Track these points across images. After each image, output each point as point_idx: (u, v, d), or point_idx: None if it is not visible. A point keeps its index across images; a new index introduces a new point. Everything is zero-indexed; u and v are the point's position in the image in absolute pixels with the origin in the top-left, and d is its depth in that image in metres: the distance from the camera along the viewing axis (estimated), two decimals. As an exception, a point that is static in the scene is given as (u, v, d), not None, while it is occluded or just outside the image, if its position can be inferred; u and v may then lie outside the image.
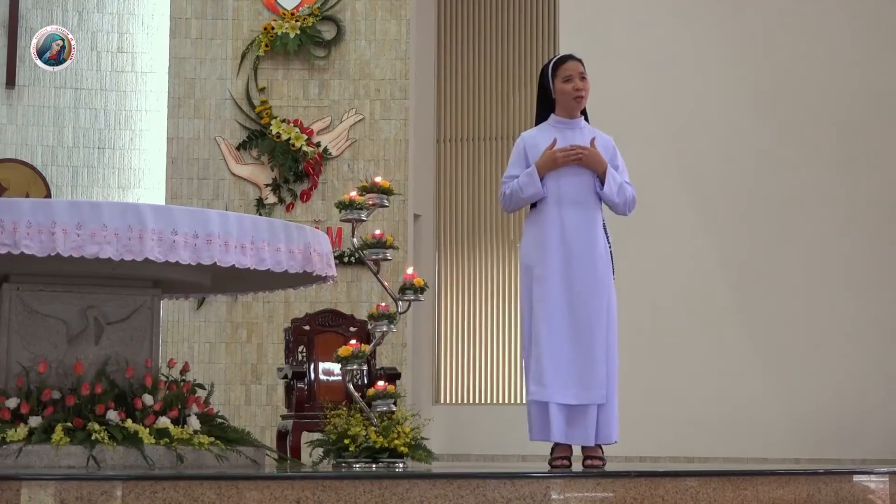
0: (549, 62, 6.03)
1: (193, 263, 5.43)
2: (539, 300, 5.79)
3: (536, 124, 6.09)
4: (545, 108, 6.05)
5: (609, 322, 5.84)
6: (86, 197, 10.43)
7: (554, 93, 5.97)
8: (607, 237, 5.93)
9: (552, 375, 5.71)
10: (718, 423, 10.39)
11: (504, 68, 12.66)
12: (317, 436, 5.99)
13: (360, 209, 5.90)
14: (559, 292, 5.78)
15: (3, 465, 5.20)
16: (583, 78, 5.94)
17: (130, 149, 10.70)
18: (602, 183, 5.87)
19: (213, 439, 5.62)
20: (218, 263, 5.47)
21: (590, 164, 5.84)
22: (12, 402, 5.46)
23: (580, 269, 5.81)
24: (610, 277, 5.90)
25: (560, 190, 5.86)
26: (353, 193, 5.95)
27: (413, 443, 5.67)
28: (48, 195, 10.31)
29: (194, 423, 5.70)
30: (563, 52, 6.59)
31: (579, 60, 5.97)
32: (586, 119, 6.08)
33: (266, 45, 10.47)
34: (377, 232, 6.00)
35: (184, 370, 5.96)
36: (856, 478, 5.45)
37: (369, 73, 10.53)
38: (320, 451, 5.83)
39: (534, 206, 5.94)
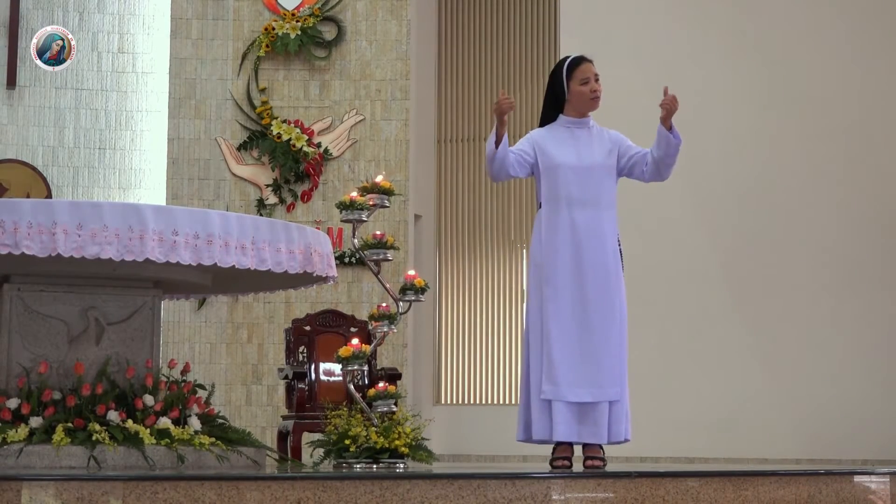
0: (563, 63, 6.01)
1: (194, 264, 5.43)
2: (549, 299, 5.80)
3: (542, 124, 6.08)
4: (554, 108, 6.04)
5: (621, 321, 5.86)
6: (86, 197, 10.42)
7: (568, 94, 5.96)
8: (617, 236, 5.94)
9: (564, 374, 5.72)
10: (718, 423, 10.38)
11: (504, 68, 12.65)
12: (317, 436, 5.99)
13: (361, 209, 5.91)
14: (570, 291, 5.80)
15: (3, 465, 5.20)
16: (597, 79, 5.98)
17: (131, 149, 10.70)
18: (668, 129, 5.91)
19: (213, 440, 5.62)
20: (219, 264, 5.47)
21: (671, 111, 5.88)
22: (13, 403, 5.46)
23: (591, 268, 5.82)
24: (621, 276, 5.91)
25: (570, 189, 5.87)
26: (354, 194, 5.96)
27: (414, 443, 5.67)
28: (49, 196, 10.31)
29: (195, 423, 5.70)
30: (563, 52, 6.60)
31: (591, 61, 6.00)
32: None
33: (267, 46, 10.47)
34: (378, 232, 6.01)
35: (184, 371, 5.96)
36: (856, 478, 5.45)
37: (370, 74, 10.53)
38: (321, 451, 5.84)
39: (541, 204, 5.95)
